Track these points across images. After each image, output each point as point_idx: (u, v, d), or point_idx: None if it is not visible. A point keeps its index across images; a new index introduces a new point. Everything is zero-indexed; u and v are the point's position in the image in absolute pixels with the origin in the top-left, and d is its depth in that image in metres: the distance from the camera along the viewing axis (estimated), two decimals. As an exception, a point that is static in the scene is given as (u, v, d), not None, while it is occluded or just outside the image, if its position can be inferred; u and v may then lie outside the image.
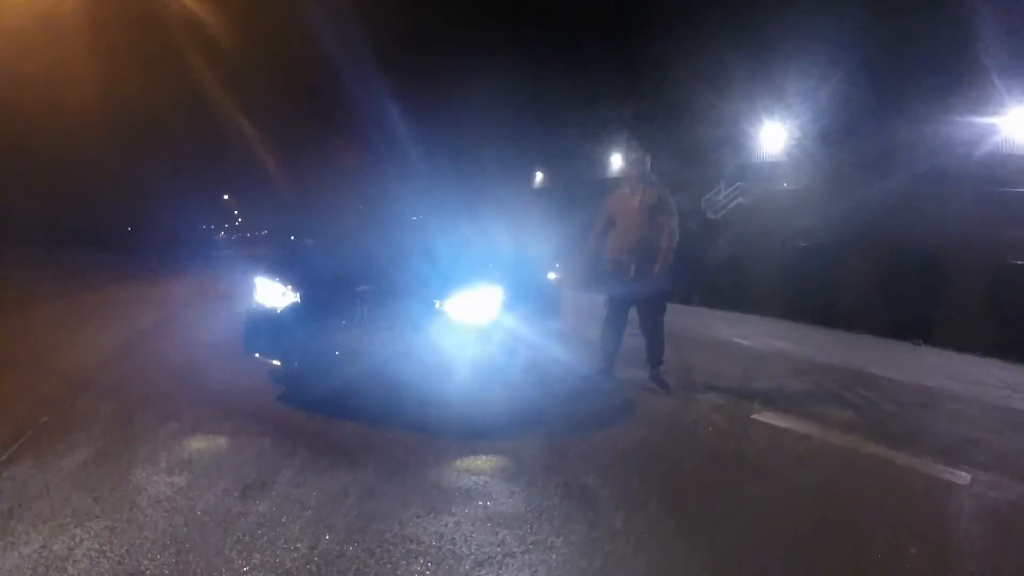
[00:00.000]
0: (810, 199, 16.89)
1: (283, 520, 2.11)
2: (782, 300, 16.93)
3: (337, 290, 3.45)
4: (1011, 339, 13.08)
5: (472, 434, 3.20)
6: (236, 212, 58.76)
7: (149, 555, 1.85)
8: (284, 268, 3.86)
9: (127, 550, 1.87)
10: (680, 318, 11.96)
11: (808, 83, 16.47)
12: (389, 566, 1.88)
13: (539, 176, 32.51)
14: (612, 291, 4.59)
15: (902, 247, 15.10)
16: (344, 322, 3.31)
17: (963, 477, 3.19)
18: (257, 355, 3.61)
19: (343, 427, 3.17)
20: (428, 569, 1.89)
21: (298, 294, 3.47)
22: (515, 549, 2.06)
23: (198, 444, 2.86)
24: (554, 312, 6.28)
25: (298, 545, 1.96)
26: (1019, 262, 13.78)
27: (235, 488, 2.34)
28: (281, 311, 3.49)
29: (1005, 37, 12.34)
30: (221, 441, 2.91)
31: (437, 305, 3.40)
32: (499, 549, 2.05)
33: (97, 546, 1.89)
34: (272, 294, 3.58)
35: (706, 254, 19.30)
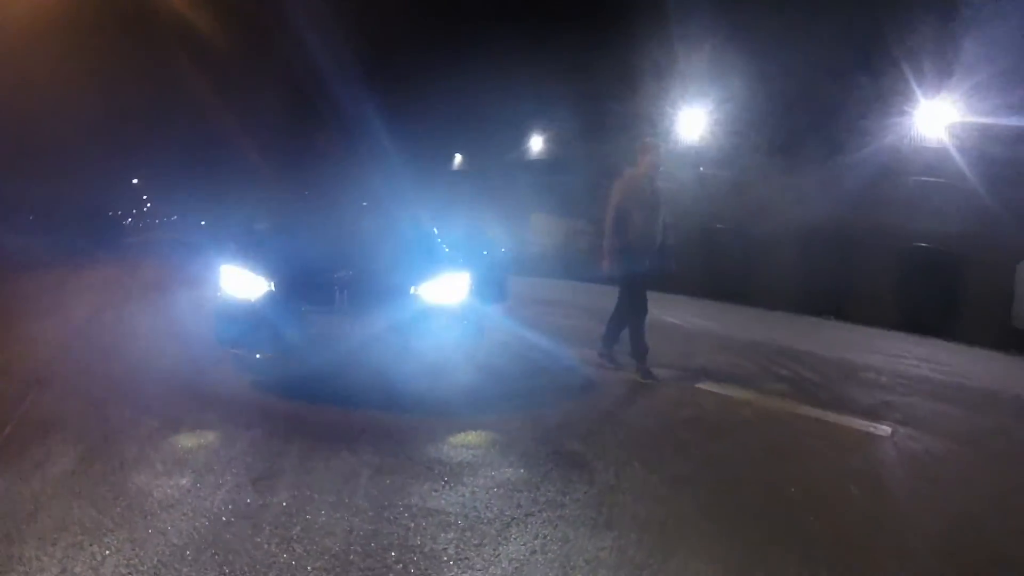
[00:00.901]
0: (727, 184, 18.24)
1: (307, 508, 2.12)
2: (704, 280, 18.26)
3: (314, 277, 3.42)
4: (916, 315, 15.06)
5: (455, 411, 3.33)
6: (145, 198, 54.88)
7: (187, 563, 1.75)
8: (251, 255, 3.71)
9: (159, 561, 1.76)
10: (601, 297, 12.67)
11: (725, 72, 17.69)
12: (428, 537, 1.99)
13: (458, 158, 32.46)
14: (632, 277, 4.57)
15: (817, 230, 16.73)
16: (323, 308, 3.31)
17: (884, 431, 3.83)
18: (234, 349, 3.49)
19: (329, 412, 3.17)
20: (464, 535, 2.02)
21: (272, 282, 3.38)
22: (532, 509, 2.26)
23: (186, 440, 2.74)
24: (504, 295, 6.61)
25: (334, 529, 1.99)
26: (923, 244, 15.79)
27: (244, 482, 2.29)
28: (256, 300, 3.38)
29: (919, 37, 13.97)
30: (210, 435, 2.80)
31: (412, 290, 3.52)
32: (518, 511, 2.23)
33: (124, 561, 1.75)
34: (243, 282, 3.45)
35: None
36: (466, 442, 2.98)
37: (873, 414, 4.24)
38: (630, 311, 4.59)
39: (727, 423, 3.83)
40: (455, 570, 1.81)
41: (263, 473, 2.38)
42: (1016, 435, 4.35)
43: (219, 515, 2.04)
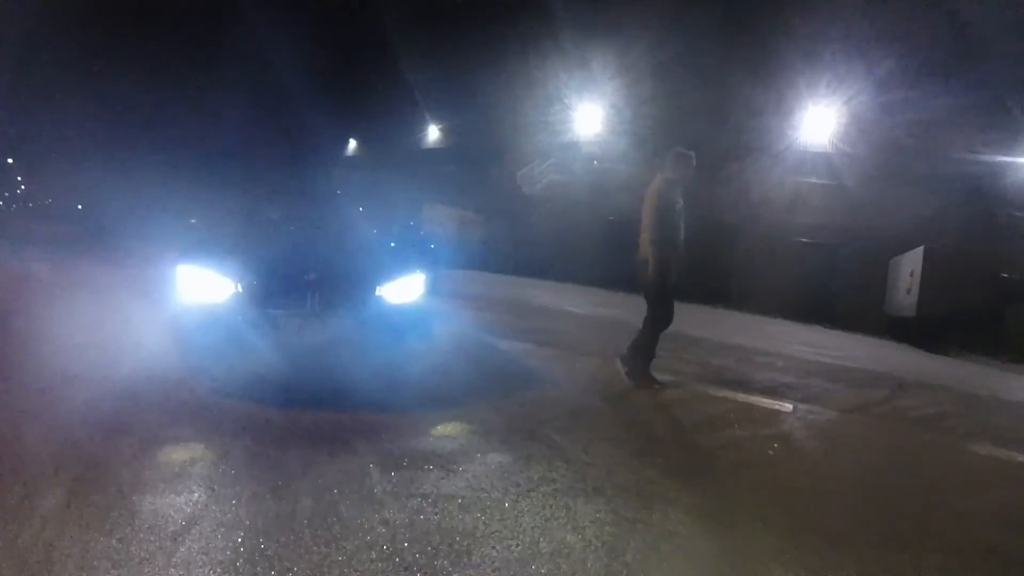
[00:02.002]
0: (620, 177, 19.58)
1: (336, 508, 2.20)
2: (594, 270, 19.47)
3: (284, 279, 3.38)
4: (800, 303, 17.26)
5: (427, 405, 3.54)
6: (20, 179, 46.33)
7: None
8: (212, 255, 3.52)
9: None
10: (504, 288, 13.39)
11: (623, 73, 18.97)
12: (456, 519, 2.22)
13: (352, 144, 31.46)
14: (668, 287, 4.54)
15: (710, 225, 18.44)
16: (294, 311, 3.30)
17: (787, 407, 4.70)
18: (199, 355, 3.36)
19: (308, 415, 3.15)
20: (485, 513, 2.28)
21: (239, 284, 3.28)
22: (530, 486, 2.59)
23: (176, 456, 2.58)
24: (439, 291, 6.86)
25: (371, 524, 2.11)
26: (804, 240, 18.06)
27: (262, 491, 2.27)
28: (223, 303, 3.26)
29: (808, 45, 15.90)
30: (199, 448, 2.67)
31: (378, 291, 3.64)
32: (519, 488, 2.54)
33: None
34: (205, 284, 3.30)
35: (522, 226, 21.15)
36: (448, 433, 3.22)
37: (775, 393, 5.17)
38: (656, 317, 4.57)
39: (659, 403, 4.47)
40: (492, 541, 2.09)
41: (276, 481, 2.37)
42: (895, 405, 5.54)
43: (252, 527, 2.03)
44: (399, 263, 3.94)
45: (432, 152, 26.70)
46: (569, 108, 20.65)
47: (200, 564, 1.81)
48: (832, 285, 17.91)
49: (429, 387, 3.92)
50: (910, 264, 14.22)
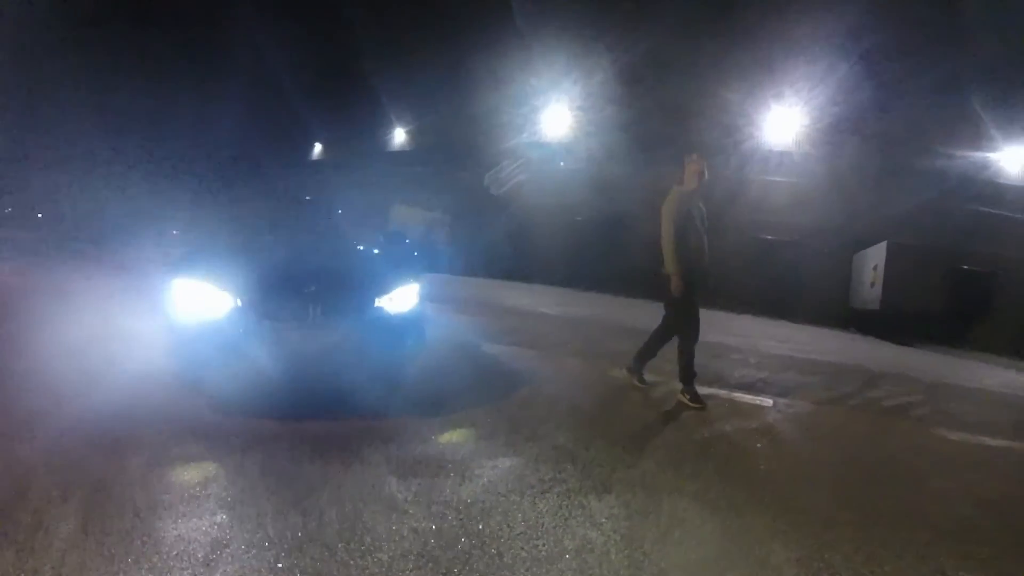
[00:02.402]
0: (586, 178, 19.93)
1: (362, 519, 2.27)
2: (561, 270, 19.78)
3: (284, 292, 3.40)
4: (766, 299, 17.82)
5: (428, 410, 3.64)
6: None
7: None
8: (207, 268, 3.50)
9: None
10: (474, 290, 13.55)
11: (588, 72, 19.36)
12: (484, 521, 2.34)
13: (318, 148, 31.24)
14: (690, 297, 4.49)
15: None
16: (295, 323, 3.33)
17: (768, 402, 4.98)
18: (198, 370, 3.34)
19: (313, 426, 3.21)
20: (508, 515, 2.40)
21: (239, 298, 3.29)
22: (544, 487, 2.72)
23: (188, 475, 2.56)
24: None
25: (400, 532, 2.19)
26: (768, 237, 18.69)
27: (285, 507, 2.31)
28: (223, 318, 3.26)
29: (772, 48, 16.55)
30: (210, 466, 2.66)
31: (376, 302, 3.72)
32: (534, 489, 2.66)
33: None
34: (203, 299, 3.29)
35: (490, 228, 21.32)
36: (454, 438, 3.32)
37: (754, 389, 5.47)
38: (684, 332, 4.53)
39: (647, 401, 4.68)
40: (519, 542, 2.20)
41: (296, 496, 2.41)
42: (867, 396, 5.91)
43: (283, 545, 2.06)
44: (395, 273, 4.03)
45: (399, 154, 26.71)
46: (537, 109, 20.94)
47: None
48: (797, 281, 18.60)
49: (428, 393, 4.04)
50: (873, 259, 14.94)
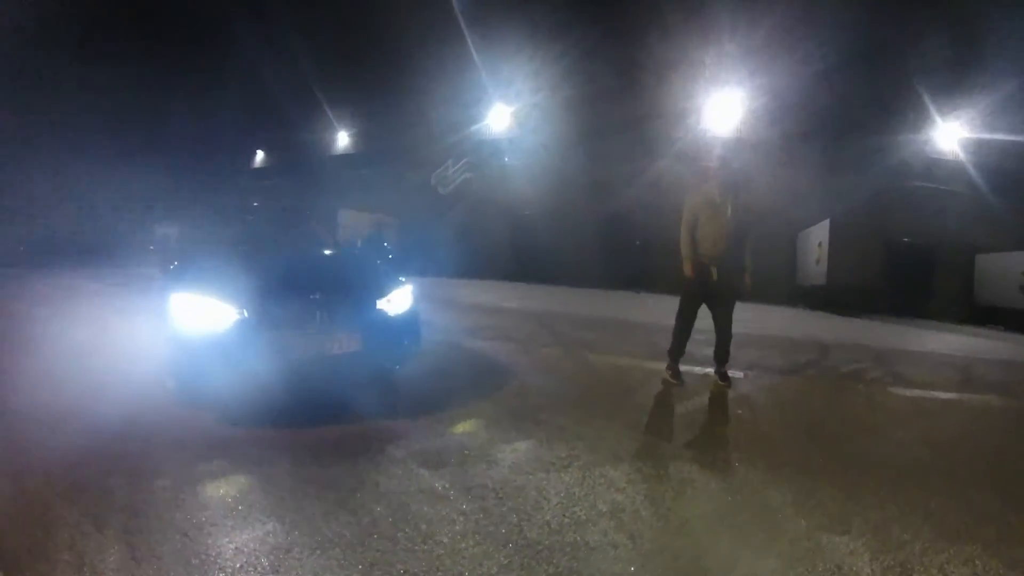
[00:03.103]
0: (531, 173, 20.43)
1: (412, 509, 2.47)
2: (512, 264, 20.22)
3: (289, 300, 3.52)
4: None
5: (434, 405, 3.88)
6: None
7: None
8: (207, 282, 3.56)
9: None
10: (433, 289, 13.75)
11: (532, 69, 19.83)
12: (522, 497, 2.62)
13: (260, 155, 30.52)
14: (695, 287, 4.91)
15: (614, 216, 19.59)
16: (302, 331, 3.47)
17: (740, 374, 5.49)
18: (205, 384, 3.40)
19: (334, 430, 3.36)
20: (543, 490, 2.70)
21: (245, 309, 3.37)
22: (563, 464, 3.02)
23: (223, 490, 2.64)
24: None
25: (452, 520, 2.41)
26: None
27: (331, 508, 2.45)
28: (228, 330, 3.33)
29: (713, 36, 17.44)
30: (241, 480, 2.74)
31: (378, 305, 3.93)
32: (555, 466, 2.96)
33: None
34: (207, 312, 3.35)
35: (439, 227, 21.52)
36: (466, 429, 3.58)
37: (701, 360, 5.98)
38: (683, 317, 5.02)
39: (629, 381, 5.12)
40: (560, 510, 2.50)
41: (338, 496, 2.57)
42: (824, 364, 6.55)
43: (344, 542, 2.21)
44: (389, 276, 4.27)
45: (344, 157, 26.51)
46: (481, 106, 21.26)
47: None
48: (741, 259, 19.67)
49: (429, 390, 4.30)
50: (817, 237, 16.06)
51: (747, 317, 11.80)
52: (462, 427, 3.65)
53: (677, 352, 5.05)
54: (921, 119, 18.03)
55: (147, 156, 25.48)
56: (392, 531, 2.31)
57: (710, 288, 4.85)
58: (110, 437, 3.16)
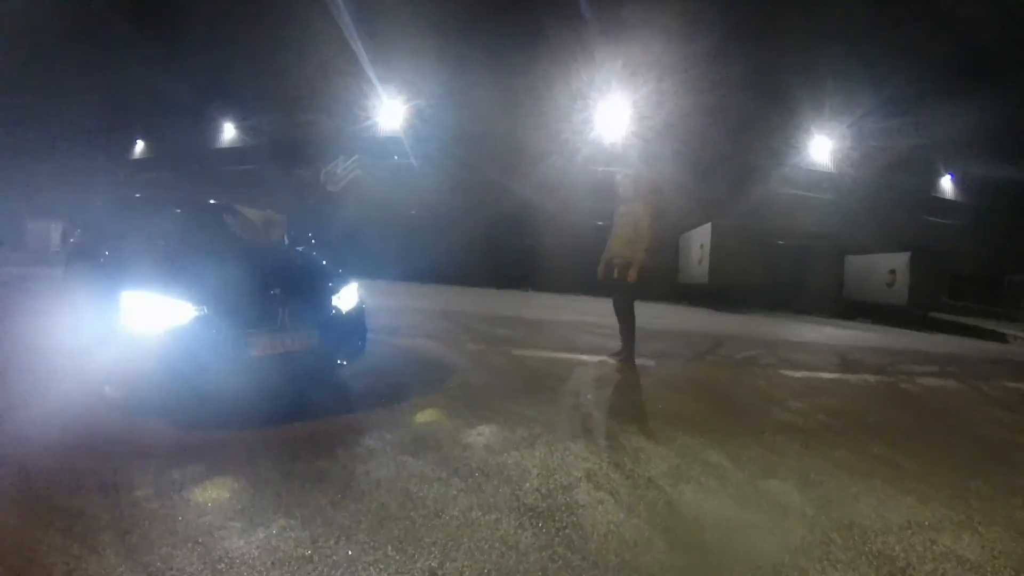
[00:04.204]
0: (419, 172, 20.72)
1: (415, 493, 2.67)
2: (403, 264, 20.34)
3: (250, 296, 3.51)
4: (592, 281, 19.85)
5: (393, 399, 4.10)
6: None
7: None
8: (160, 279, 3.43)
9: None
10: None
11: (424, 66, 20.00)
12: (511, 471, 2.96)
13: (140, 145, 27.81)
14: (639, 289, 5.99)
15: (504, 218, 20.26)
16: (265, 327, 3.48)
17: (651, 363, 6.20)
18: (163, 386, 3.29)
19: (305, 427, 3.42)
20: (522, 464, 3.04)
21: (204, 307, 3.30)
22: (531, 440, 3.38)
23: (215, 494, 2.61)
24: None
25: (457, 495, 2.68)
26: (600, 223, 20.73)
27: (337, 500, 2.58)
28: (186, 328, 3.24)
29: (600, 43, 18.59)
30: (230, 482, 2.71)
31: (333, 301, 4.06)
32: (525, 442, 3.32)
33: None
34: (161, 311, 3.24)
35: (329, 225, 21.10)
36: (429, 419, 3.76)
37: (593, 350, 6.71)
38: (630, 314, 6.08)
39: (557, 372, 5.64)
40: (540, 479, 2.88)
41: (337, 490, 2.68)
42: (718, 353, 7.49)
43: (365, 530, 2.35)
44: (338, 273, 4.42)
45: (230, 151, 25.05)
46: (374, 104, 21.13)
47: (358, 569, 2.10)
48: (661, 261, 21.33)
49: (379, 384, 4.50)
50: (699, 239, 17.72)
51: (641, 312, 12.91)
52: (424, 417, 3.89)
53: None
54: (797, 133, 20.60)
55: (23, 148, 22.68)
56: (404, 512, 2.51)
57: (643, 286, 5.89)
58: (63, 453, 2.91)
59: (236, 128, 25.18)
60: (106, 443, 3.06)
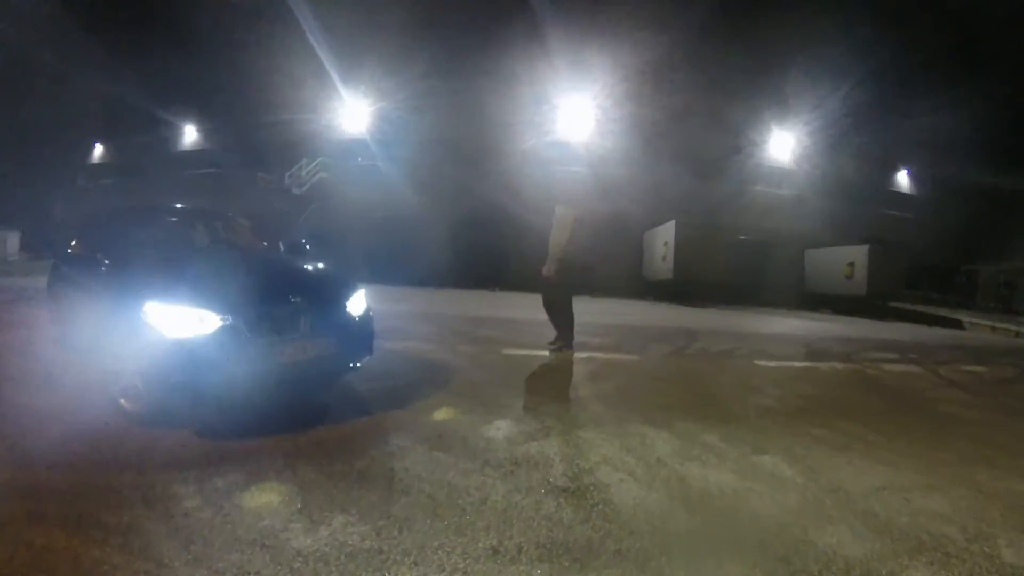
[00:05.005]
0: (383, 174, 20.86)
1: (458, 483, 2.91)
2: (368, 267, 20.41)
3: (273, 305, 3.64)
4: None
5: (403, 402, 4.29)
6: None
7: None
8: (182, 290, 3.51)
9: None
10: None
11: (390, 69, 20.14)
12: (538, 458, 3.24)
13: (99, 150, 26.90)
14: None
15: (468, 219, 20.52)
16: (289, 336, 3.63)
17: (636, 357, 6.68)
18: (184, 398, 3.37)
19: (333, 431, 3.60)
20: (544, 452, 3.34)
21: (228, 316, 3.40)
22: (545, 431, 3.69)
23: (264, 498, 2.71)
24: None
25: (495, 483, 2.93)
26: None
27: (391, 494, 2.78)
28: (214, 338, 3.34)
29: (556, 45, 19.13)
30: (276, 486, 2.83)
31: (347, 307, 4.23)
32: (540, 433, 3.63)
33: None
34: (187, 322, 3.33)
35: (293, 228, 21.02)
36: (446, 417, 3.98)
37: (621, 350, 7.23)
38: (563, 309, 6.76)
39: (552, 368, 6.03)
40: (565, 464, 3.18)
41: (384, 488, 2.87)
42: (695, 346, 8.00)
43: (425, 518, 2.59)
44: (348, 280, 4.49)
45: (193, 154, 24.61)
46: (339, 106, 21.15)
47: (427, 554, 2.32)
48: (594, 259, 21.82)
49: (388, 386, 4.74)
50: (663, 236, 18.38)
51: (607, 309, 13.50)
52: (441, 415, 4.12)
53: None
54: (759, 131, 21.54)
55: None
56: (454, 501, 2.75)
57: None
58: (95, 469, 2.93)
59: (198, 131, 24.78)
60: (137, 456, 3.09)
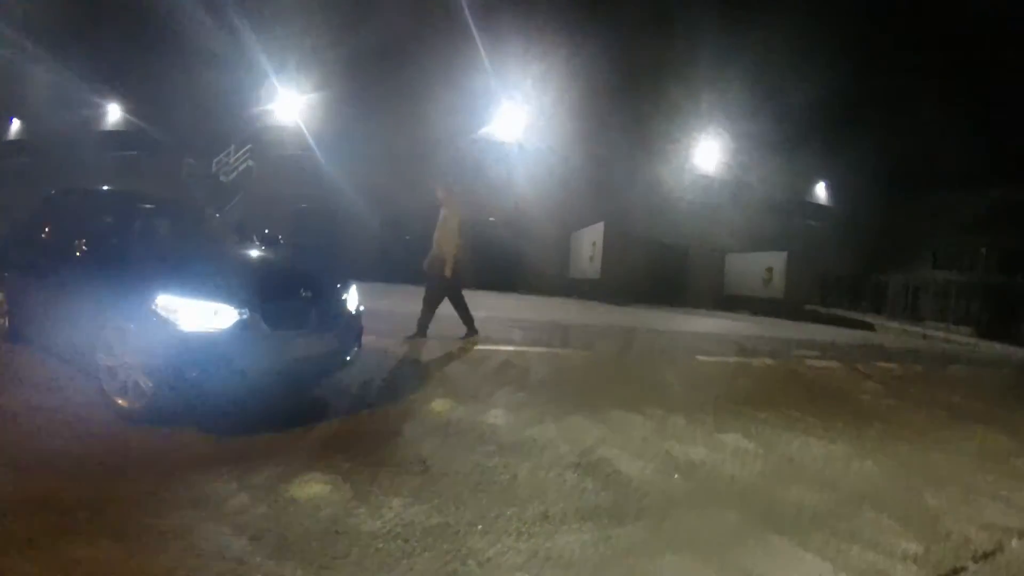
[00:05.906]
0: (311, 164, 20.65)
1: (487, 460, 3.24)
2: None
3: (286, 299, 3.73)
4: (497, 277, 20.74)
5: (394, 396, 4.51)
6: None
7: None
8: (194, 283, 3.47)
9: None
10: None
11: (316, 53, 19.96)
12: (552, 436, 3.64)
13: (16, 125, 24.24)
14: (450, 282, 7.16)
15: (395, 214, 20.59)
16: (300, 330, 3.73)
17: (587, 352, 7.33)
18: (221, 394, 3.38)
19: (340, 425, 3.76)
20: (546, 431, 3.76)
21: (244, 310, 3.42)
22: (540, 416, 4.08)
23: (308, 490, 2.79)
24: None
25: (519, 462, 3.30)
26: (492, 220, 21.72)
27: (426, 481, 3.03)
28: (228, 332, 3.36)
29: (501, 46, 19.55)
30: (322, 477, 2.92)
31: (347, 301, 4.37)
32: (537, 418, 4.05)
33: None
34: (202, 315, 3.33)
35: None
36: (446, 408, 4.27)
37: (567, 345, 7.83)
38: (435, 304, 7.21)
39: (513, 361, 6.33)
40: (569, 444, 3.62)
41: (422, 476, 3.09)
42: (639, 345, 8.75)
43: (470, 495, 2.90)
44: (343, 276, 4.61)
45: (114, 135, 22.98)
46: (268, 92, 20.69)
47: (489, 525, 2.70)
48: (521, 259, 22.48)
49: (383, 379, 5.00)
50: (591, 237, 19.34)
51: (546, 307, 14.22)
52: (439, 406, 4.38)
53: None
54: (685, 141, 23.04)
55: None
56: (490, 479, 3.09)
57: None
58: (109, 474, 2.84)
59: (123, 109, 23.28)
60: (155, 457, 3.04)
